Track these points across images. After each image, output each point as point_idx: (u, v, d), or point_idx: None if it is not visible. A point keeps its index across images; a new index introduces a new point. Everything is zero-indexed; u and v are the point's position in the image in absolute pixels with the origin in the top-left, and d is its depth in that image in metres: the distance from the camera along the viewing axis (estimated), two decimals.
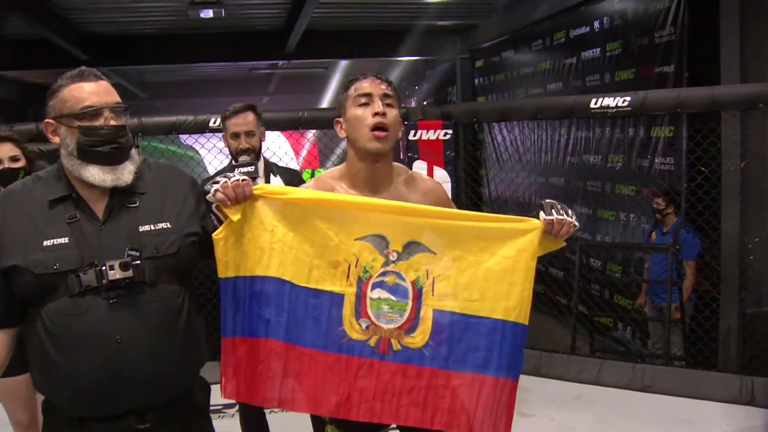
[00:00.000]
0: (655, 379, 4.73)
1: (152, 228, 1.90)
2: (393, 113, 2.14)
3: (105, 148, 1.86)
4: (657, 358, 5.37)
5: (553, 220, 2.04)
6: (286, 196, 2.09)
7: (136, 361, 1.82)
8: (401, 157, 5.39)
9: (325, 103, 13.76)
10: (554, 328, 6.41)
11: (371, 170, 2.17)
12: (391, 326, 2.06)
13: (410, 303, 2.06)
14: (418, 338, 2.06)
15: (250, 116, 3.35)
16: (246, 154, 3.30)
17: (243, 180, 2.02)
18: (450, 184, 5.36)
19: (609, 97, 4.76)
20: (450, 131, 5.37)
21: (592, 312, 6.18)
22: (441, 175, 5.36)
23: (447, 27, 10.06)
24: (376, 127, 2.10)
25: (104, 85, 1.91)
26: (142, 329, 1.83)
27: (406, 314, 2.06)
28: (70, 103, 1.87)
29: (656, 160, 6.08)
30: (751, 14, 5.22)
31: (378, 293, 2.06)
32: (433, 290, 2.06)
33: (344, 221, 2.06)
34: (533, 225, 2.08)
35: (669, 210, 5.49)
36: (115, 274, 1.80)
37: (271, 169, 3.48)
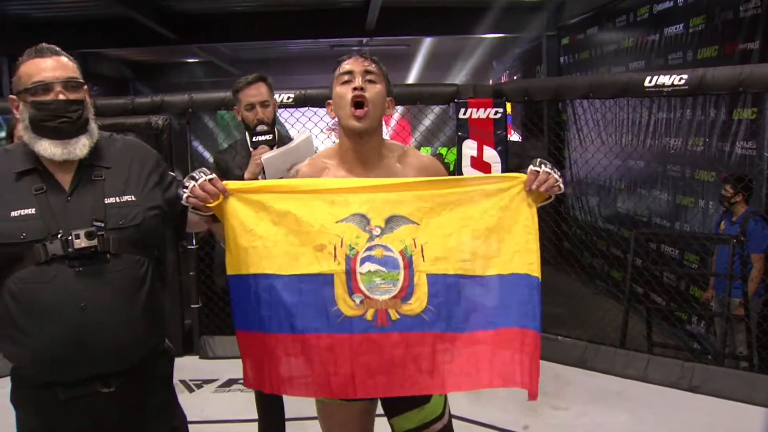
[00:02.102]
0: (705, 380, 4.38)
1: (117, 200, 1.96)
2: (375, 89, 2.16)
3: (53, 122, 1.92)
4: (717, 358, 5.00)
5: (539, 170, 2.06)
6: (261, 191, 2.13)
7: (99, 328, 1.88)
8: (455, 135, 5.21)
9: (411, 79, 13.61)
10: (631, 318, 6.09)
11: (358, 148, 2.20)
12: (386, 297, 2.07)
13: (402, 272, 2.07)
14: (416, 304, 2.08)
15: (263, 87, 3.35)
16: (263, 124, 3.29)
17: (210, 179, 2.06)
18: (500, 164, 5.14)
19: (665, 74, 4.41)
20: (501, 110, 5.13)
21: (648, 303, 5.80)
22: (491, 155, 5.14)
23: (531, 2, 9.68)
24: (355, 104, 2.13)
25: (59, 60, 1.97)
26: (106, 297, 1.90)
27: (400, 283, 2.07)
28: (23, 79, 1.93)
29: (737, 144, 5.64)
30: None
31: (368, 267, 2.07)
32: (423, 256, 2.08)
33: (323, 207, 2.09)
34: (513, 181, 2.11)
35: (737, 198, 5.08)
36: (81, 242, 1.87)
37: (284, 142, 3.44)
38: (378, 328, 2.06)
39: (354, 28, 10.16)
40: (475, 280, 2.08)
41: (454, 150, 5.37)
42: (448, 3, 9.67)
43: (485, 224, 2.08)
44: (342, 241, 2.07)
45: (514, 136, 9.99)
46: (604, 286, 7.29)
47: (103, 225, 1.90)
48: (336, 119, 2.23)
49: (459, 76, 13.41)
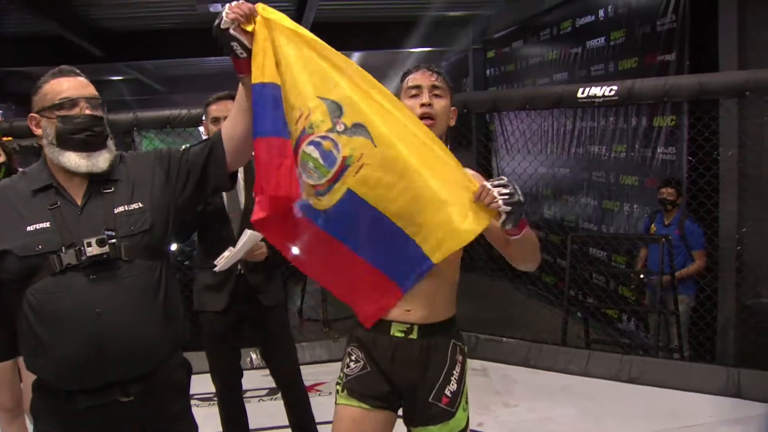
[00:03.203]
0: (642, 371, 4.69)
1: (126, 209, 2.05)
2: (441, 103, 2.25)
3: (81, 135, 2.00)
4: (652, 351, 5.31)
5: (483, 185, 2.03)
6: (285, 24, 2.08)
7: (116, 333, 1.94)
8: None
9: None
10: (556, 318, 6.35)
11: None
12: (308, 180, 2.14)
13: (332, 172, 2.12)
14: (324, 201, 2.15)
15: (230, 104, 3.43)
16: None
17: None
18: None
19: (596, 86, 4.72)
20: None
21: (586, 303, 6.10)
22: None
23: (458, 17, 9.97)
24: (423, 117, 2.19)
25: (81, 80, 2.08)
26: (121, 303, 1.96)
27: (324, 179, 2.13)
28: (49, 96, 2.03)
29: (659, 150, 6.00)
30: (750, 1, 5.11)
31: (311, 150, 2.13)
32: (357, 172, 2.11)
33: (316, 74, 2.08)
34: (471, 189, 2.08)
35: (679, 200, 5.40)
36: (93, 250, 1.93)
37: None
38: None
39: None
40: (383, 219, 2.11)
41: None
42: (378, 18, 9.87)
43: (428, 200, 2.06)
44: (308, 115, 2.10)
45: None
46: (536, 290, 7.57)
47: (114, 233, 1.98)
48: None
49: (390, 90, 13.54)
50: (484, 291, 6.81)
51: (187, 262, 5.25)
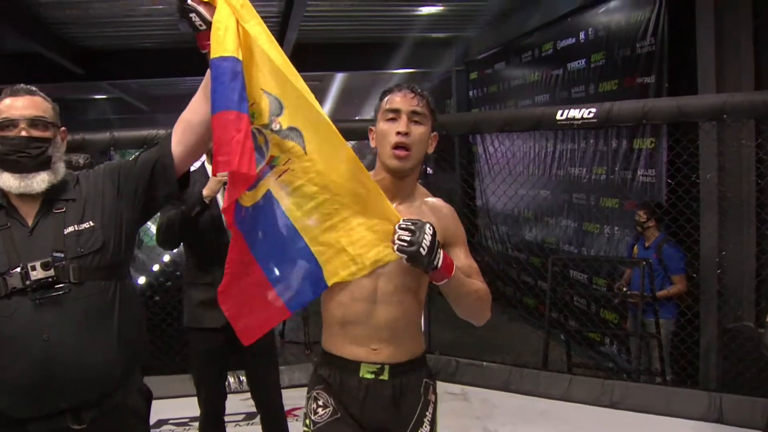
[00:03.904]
0: (624, 396, 4.65)
1: (76, 228, 2.00)
2: (419, 131, 2.08)
3: (13, 156, 1.98)
4: (631, 375, 5.27)
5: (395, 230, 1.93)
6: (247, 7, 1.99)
7: (64, 359, 1.89)
8: None
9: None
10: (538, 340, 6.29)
11: (393, 183, 2.10)
12: None
13: (259, 169, 2.03)
14: (246, 199, 2.06)
15: None
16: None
17: None
18: None
19: (575, 108, 4.72)
20: None
21: (567, 326, 6.06)
22: None
23: (440, 39, 10.01)
24: (397, 146, 2.05)
25: (32, 99, 2.04)
26: (69, 327, 1.91)
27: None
28: None
29: (639, 172, 6.00)
30: (727, 25, 5.13)
31: None
32: (280, 175, 2.04)
33: (266, 66, 1.98)
34: (391, 223, 1.99)
35: (650, 223, 5.39)
36: (37, 274, 1.90)
37: None
38: None
39: None
40: (293, 236, 2.04)
41: None
42: (361, 39, 9.89)
43: (346, 219, 2.01)
44: (252, 105, 1.99)
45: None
46: (518, 313, 7.54)
47: (63, 255, 1.93)
48: (377, 149, 2.14)
49: (372, 112, 13.57)
50: None
51: (179, 272, 5.16)
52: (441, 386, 5.00)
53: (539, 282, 6.98)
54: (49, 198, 2.03)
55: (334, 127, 1.99)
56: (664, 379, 5.11)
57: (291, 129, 2.00)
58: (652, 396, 4.61)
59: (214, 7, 1.96)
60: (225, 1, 1.97)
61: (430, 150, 2.15)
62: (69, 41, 9.12)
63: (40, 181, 1.99)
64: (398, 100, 2.10)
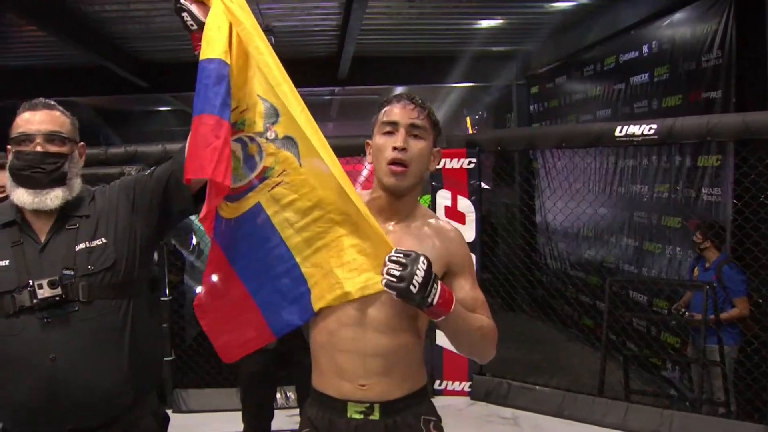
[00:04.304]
0: (683, 427, 4.39)
1: (87, 245, 1.98)
2: (418, 146, 1.90)
3: (27, 171, 1.96)
4: (694, 404, 5.02)
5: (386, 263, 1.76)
6: (244, 10, 1.93)
7: (70, 381, 1.85)
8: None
9: None
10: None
11: (389, 202, 1.95)
12: None
13: (249, 179, 1.92)
14: (230, 209, 1.94)
15: None
16: None
17: None
18: (474, 214, 5.18)
19: (635, 124, 4.52)
20: (474, 160, 5.20)
21: (625, 351, 5.81)
22: (465, 205, 5.20)
23: (501, 53, 9.88)
24: (393, 162, 1.89)
25: (50, 114, 2.01)
26: (76, 348, 1.87)
27: (239, 184, 1.92)
28: (12, 129, 2.01)
29: (703, 191, 5.76)
30: None
31: (237, 148, 1.92)
32: (272, 188, 1.91)
33: (262, 71, 1.89)
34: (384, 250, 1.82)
35: (707, 244, 5.15)
36: (44, 292, 1.86)
37: None
38: None
39: (327, 77, 10.27)
40: (283, 254, 1.91)
41: (427, 198, 5.40)
42: (420, 53, 9.85)
43: (339, 239, 1.88)
44: (245, 110, 1.91)
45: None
46: (577, 333, 7.32)
47: (72, 273, 1.89)
48: (372, 164, 1.99)
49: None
50: (522, 331, 6.60)
51: None
52: (491, 409, 4.97)
53: (597, 302, 6.76)
54: (64, 214, 1.99)
55: (325, 140, 1.89)
56: (728, 411, 4.85)
57: (287, 138, 1.89)
58: (713, 429, 4.36)
59: (209, 8, 1.91)
60: (221, 1, 1.90)
61: (433, 167, 1.98)
62: (133, 55, 9.36)
63: (53, 198, 1.96)
64: (396, 111, 1.92)
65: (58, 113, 2.02)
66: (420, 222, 1.98)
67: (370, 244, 1.85)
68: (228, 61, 1.86)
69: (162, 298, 5.12)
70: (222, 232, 1.95)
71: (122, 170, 5.05)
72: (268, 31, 8.26)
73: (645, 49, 6.83)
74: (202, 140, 1.82)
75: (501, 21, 8.41)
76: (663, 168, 6.29)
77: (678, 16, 6.29)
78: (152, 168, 2.13)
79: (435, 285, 1.75)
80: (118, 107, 14.22)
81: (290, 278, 1.91)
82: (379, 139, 1.93)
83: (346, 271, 1.86)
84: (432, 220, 2.01)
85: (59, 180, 1.98)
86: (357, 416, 1.88)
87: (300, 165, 1.88)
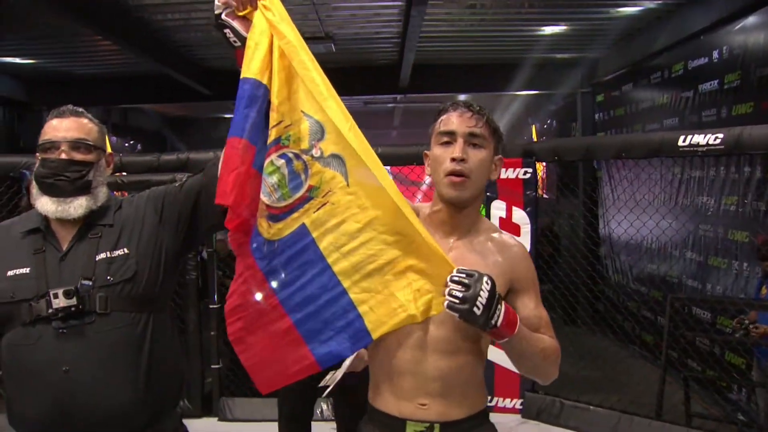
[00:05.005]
0: None
1: (108, 255, 1.94)
2: (478, 156, 1.84)
3: (51, 179, 1.94)
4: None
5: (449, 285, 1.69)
6: (287, 22, 1.87)
7: (82, 394, 1.81)
8: None
9: None
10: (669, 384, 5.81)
11: (450, 215, 1.89)
12: (264, 198, 1.85)
13: (294, 199, 1.84)
14: (274, 230, 1.85)
15: None
16: None
17: None
18: (530, 225, 5.04)
19: (699, 134, 4.29)
20: (530, 170, 5.05)
21: (685, 373, 5.52)
22: (520, 216, 5.06)
23: (566, 60, 9.63)
24: (452, 173, 1.83)
25: (77, 121, 2.00)
26: (90, 360, 1.83)
27: (283, 203, 1.84)
28: (40, 136, 2.00)
29: None
30: None
31: (281, 164, 1.84)
32: (318, 208, 1.83)
33: (306, 86, 1.84)
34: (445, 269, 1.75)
35: None
36: (59, 302, 1.82)
37: None
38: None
39: (388, 85, 10.23)
40: (329, 280, 1.81)
41: (482, 209, 5.27)
42: (481, 60, 9.70)
43: (393, 261, 1.78)
44: (289, 126, 1.84)
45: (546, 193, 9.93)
46: (637, 350, 7.05)
47: (90, 283, 1.86)
48: (431, 176, 1.93)
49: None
50: (582, 345, 6.39)
51: None
52: (542, 428, 4.78)
53: (659, 318, 6.49)
54: (88, 223, 1.97)
55: (376, 156, 1.80)
56: None
57: (333, 156, 1.82)
58: None
59: (251, 22, 1.86)
60: (263, 15, 1.85)
61: (494, 176, 1.91)
62: (196, 62, 9.47)
63: (77, 206, 1.94)
64: (453, 120, 1.86)
65: (85, 120, 2.01)
66: (483, 237, 1.92)
67: (429, 265, 1.76)
68: (264, 81, 1.83)
69: (211, 306, 5.12)
70: (263, 255, 1.86)
71: (174, 177, 5.09)
72: (328, 38, 8.28)
73: (715, 54, 6.54)
74: (230, 164, 1.79)
75: (565, 27, 8.19)
76: (731, 179, 6.00)
77: (750, 20, 5.99)
78: (183, 180, 2.09)
79: (499, 306, 1.69)
80: (184, 114, 14.51)
81: (338, 306, 1.82)
82: (437, 150, 1.87)
83: (407, 293, 1.78)
84: (495, 235, 1.94)
85: (83, 188, 1.96)
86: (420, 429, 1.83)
87: (347, 185, 1.81)
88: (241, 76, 1.84)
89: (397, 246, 1.78)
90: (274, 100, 1.83)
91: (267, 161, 1.83)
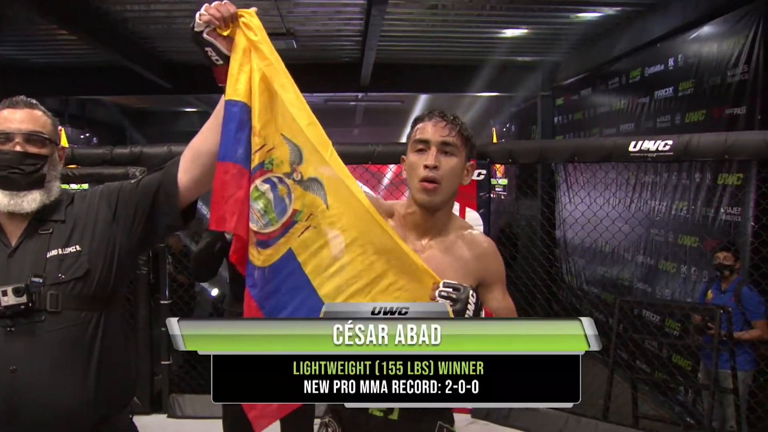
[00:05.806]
0: None
1: (59, 252, 1.87)
2: (450, 164, 1.96)
3: (4, 172, 1.86)
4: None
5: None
6: (266, 43, 1.87)
7: (30, 394, 1.76)
8: None
9: (405, 136, 13.54)
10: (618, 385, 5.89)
11: (423, 218, 2.01)
12: (252, 225, 1.88)
13: (280, 224, 1.88)
14: (262, 258, 1.88)
15: None
16: None
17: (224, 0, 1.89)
18: (483, 227, 5.06)
19: (649, 140, 4.36)
20: (484, 171, 5.08)
21: (634, 375, 5.60)
22: (473, 217, 5.08)
23: (527, 63, 9.72)
24: (424, 180, 1.94)
25: (31, 113, 1.92)
26: (39, 360, 1.78)
27: (270, 229, 1.88)
28: None
29: (721, 210, 5.57)
30: None
31: (266, 189, 1.88)
32: (302, 232, 1.87)
33: (285, 109, 1.85)
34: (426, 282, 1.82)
35: (737, 266, 4.95)
36: (8, 300, 1.76)
37: None
38: None
39: (349, 83, 10.22)
40: (315, 304, 1.82)
41: None
42: (443, 61, 9.74)
43: (374, 280, 1.83)
44: (271, 149, 1.86)
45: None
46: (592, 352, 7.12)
47: (41, 280, 1.81)
48: (406, 179, 2.05)
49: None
50: None
51: None
52: (491, 428, 4.81)
53: (609, 320, 6.57)
54: (38, 218, 1.90)
55: (355, 180, 1.84)
56: None
57: (311, 180, 1.87)
58: None
59: (233, 40, 1.85)
60: (243, 34, 1.84)
61: (466, 181, 2.05)
62: (156, 55, 9.36)
63: (30, 201, 1.88)
64: (428, 129, 1.97)
65: (39, 113, 1.94)
66: (454, 235, 2.04)
67: (411, 278, 1.83)
68: (249, 104, 1.84)
69: (162, 302, 5.06)
70: (254, 282, 1.88)
71: (127, 171, 5.02)
72: (290, 34, 8.23)
73: (671, 62, 6.66)
74: (226, 190, 1.81)
75: (526, 30, 8.26)
76: (683, 185, 6.11)
77: (705, 29, 6.12)
78: (139, 177, 2.05)
79: (482, 314, 1.83)
80: (144, 107, 14.32)
81: None
82: (412, 157, 1.98)
83: None
84: (466, 232, 2.07)
85: (37, 182, 1.89)
86: (377, 413, 1.94)
87: (327, 207, 1.85)
88: (227, 98, 1.84)
89: (380, 263, 1.82)
90: (256, 123, 1.84)
91: (251, 187, 1.85)
